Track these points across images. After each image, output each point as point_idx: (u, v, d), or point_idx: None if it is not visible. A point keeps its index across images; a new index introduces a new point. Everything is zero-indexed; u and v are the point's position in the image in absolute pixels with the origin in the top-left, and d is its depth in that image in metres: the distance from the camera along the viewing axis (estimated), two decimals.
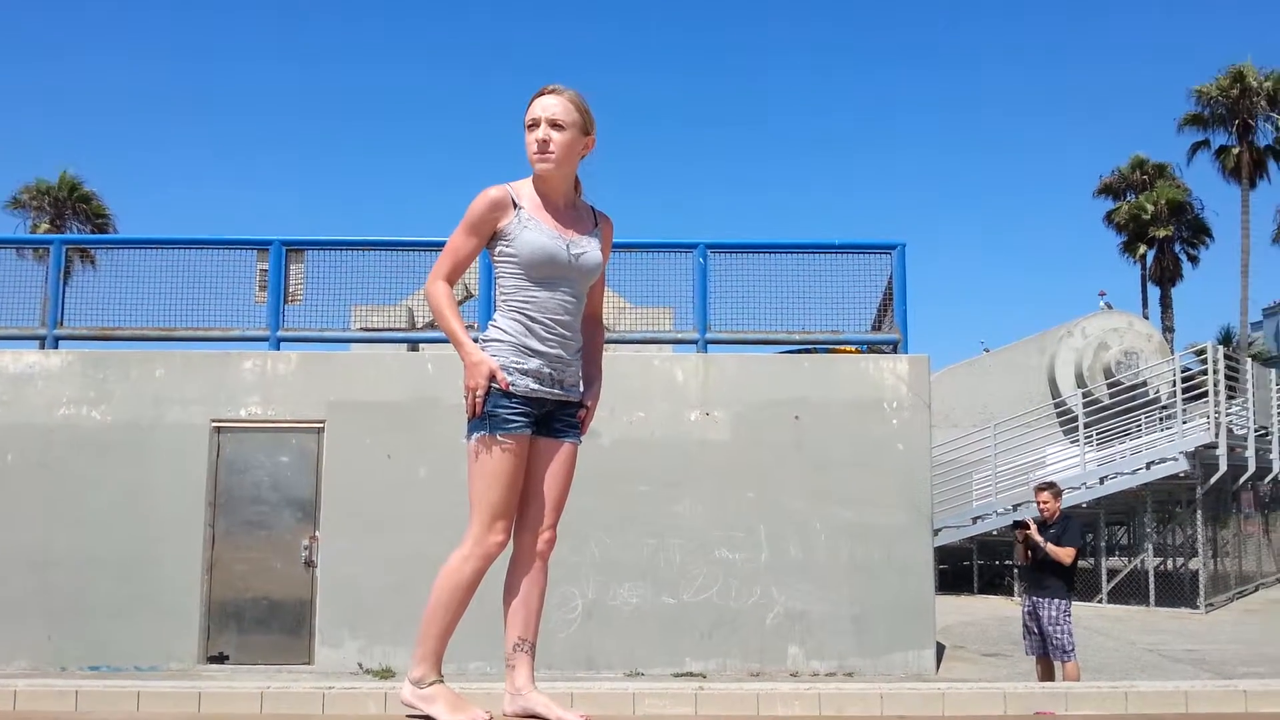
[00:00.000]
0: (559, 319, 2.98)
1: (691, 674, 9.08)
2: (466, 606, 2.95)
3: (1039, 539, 7.97)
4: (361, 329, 10.61)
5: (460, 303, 10.59)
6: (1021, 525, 8.17)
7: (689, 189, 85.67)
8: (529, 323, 2.95)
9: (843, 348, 11.26)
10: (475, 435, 2.91)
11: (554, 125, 2.96)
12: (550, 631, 8.67)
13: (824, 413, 9.70)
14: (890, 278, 10.30)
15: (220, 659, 9.43)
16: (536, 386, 2.94)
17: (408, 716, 2.93)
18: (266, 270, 10.15)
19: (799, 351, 11.20)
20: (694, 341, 10.15)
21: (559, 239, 2.97)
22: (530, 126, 2.98)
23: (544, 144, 2.95)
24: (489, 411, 2.88)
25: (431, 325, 11.19)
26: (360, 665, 9.26)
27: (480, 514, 2.91)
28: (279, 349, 10.00)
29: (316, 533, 9.57)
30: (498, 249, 2.98)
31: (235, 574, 9.58)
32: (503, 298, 2.99)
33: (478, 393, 2.88)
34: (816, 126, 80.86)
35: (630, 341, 10.68)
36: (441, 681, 2.94)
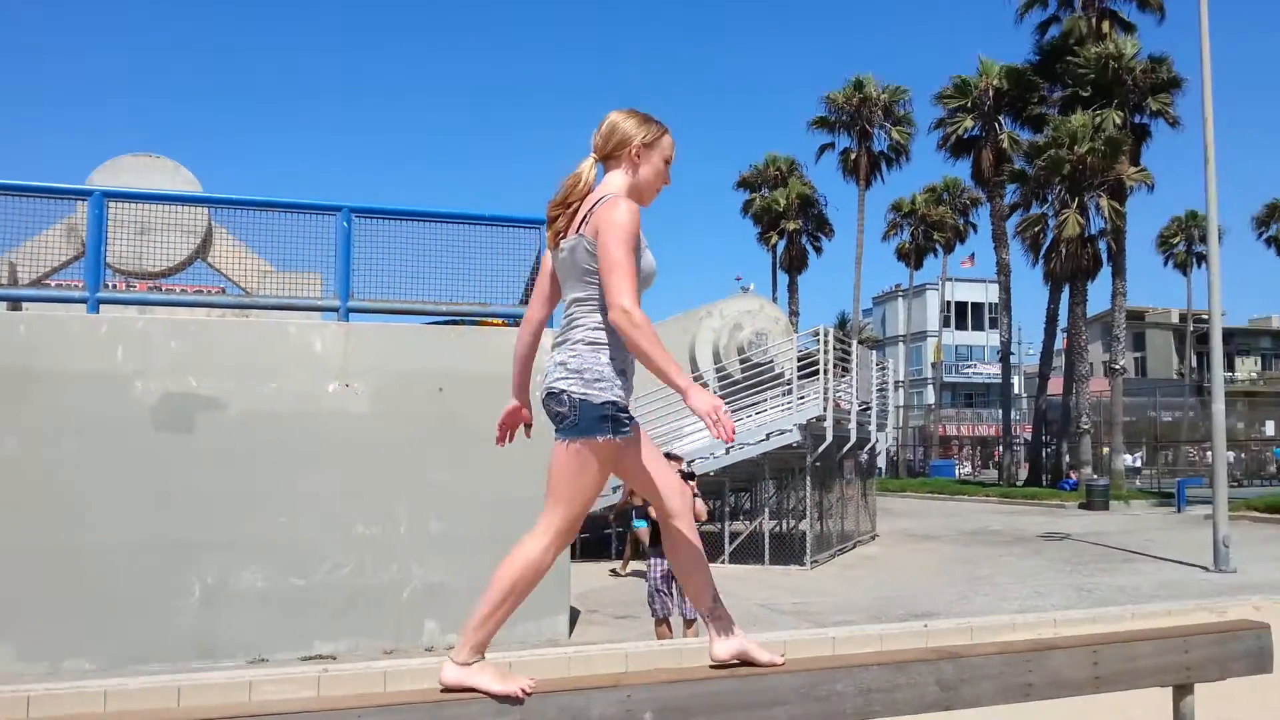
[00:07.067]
0: None
1: (320, 656, 8.68)
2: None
3: (695, 490, 8.44)
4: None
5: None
6: (685, 473, 8.49)
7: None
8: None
9: (491, 320, 11.24)
10: (601, 437, 2.93)
11: None
12: (161, 620, 7.93)
13: (470, 385, 9.62)
14: (540, 252, 10.39)
15: None
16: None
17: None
18: None
19: (448, 323, 11.04)
20: (335, 309, 9.69)
21: None
22: (668, 163, 3.18)
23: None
24: (612, 416, 2.96)
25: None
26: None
27: (569, 513, 2.97)
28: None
29: None
30: None
31: None
32: (598, 303, 3.02)
33: (727, 413, 2.88)
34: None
35: (266, 307, 10.00)
36: (484, 659, 2.88)
